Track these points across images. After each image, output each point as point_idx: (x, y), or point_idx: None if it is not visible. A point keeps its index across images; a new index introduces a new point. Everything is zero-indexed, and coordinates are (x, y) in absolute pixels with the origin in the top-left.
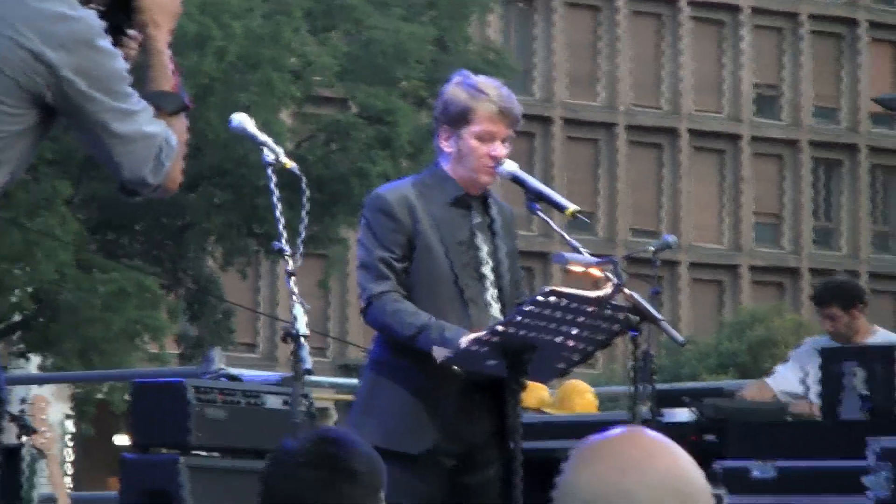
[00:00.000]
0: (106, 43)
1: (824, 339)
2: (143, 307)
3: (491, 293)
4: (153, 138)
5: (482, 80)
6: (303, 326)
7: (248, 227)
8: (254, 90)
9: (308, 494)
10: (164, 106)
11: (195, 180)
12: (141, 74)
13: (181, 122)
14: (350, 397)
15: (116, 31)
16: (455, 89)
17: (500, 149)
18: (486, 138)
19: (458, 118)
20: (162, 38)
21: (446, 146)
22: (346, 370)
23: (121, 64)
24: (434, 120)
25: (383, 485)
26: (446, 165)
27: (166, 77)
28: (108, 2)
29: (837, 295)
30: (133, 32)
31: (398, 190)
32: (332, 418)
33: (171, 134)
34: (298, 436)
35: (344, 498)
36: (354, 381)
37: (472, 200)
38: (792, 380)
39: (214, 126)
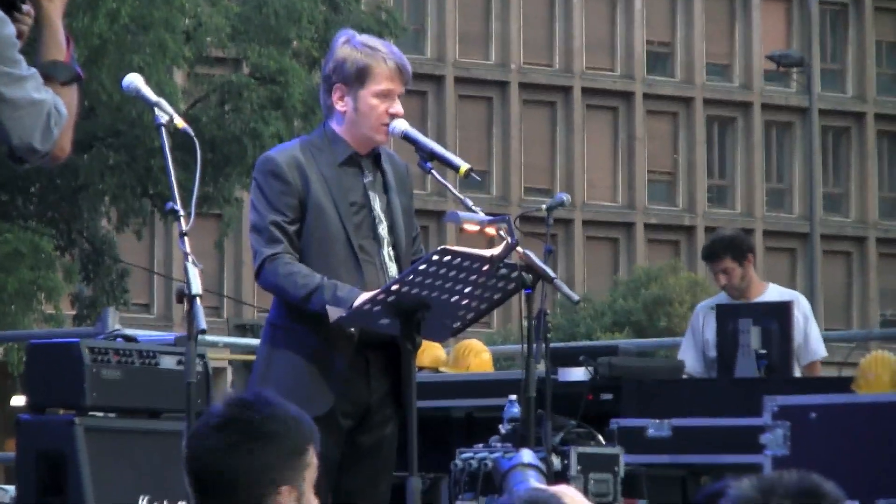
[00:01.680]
0: None
1: (715, 300)
2: (38, 268)
3: (387, 251)
4: (42, 105)
5: (371, 39)
6: (196, 286)
7: (143, 188)
8: (146, 51)
9: (221, 457)
10: (55, 75)
11: (89, 141)
12: (33, 46)
13: (72, 92)
14: (246, 357)
15: (10, 7)
16: (347, 49)
17: (398, 106)
18: (385, 96)
19: (356, 77)
20: (54, 10)
21: (340, 105)
22: (241, 330)
23: (9, 30)
24: (324, 80)
25: (311, 445)
26: (336, 126)
27: (58, 48)
28: None
29: (729, 247)
30: (26, 7)
31: (288, 152)
32: (228, 378)
33: (60, 102)
34: (222, 400)
35: (256, 459)
36: (249, 341)
37: (363, 159)
38: (692, 357)
39: (107, 87)
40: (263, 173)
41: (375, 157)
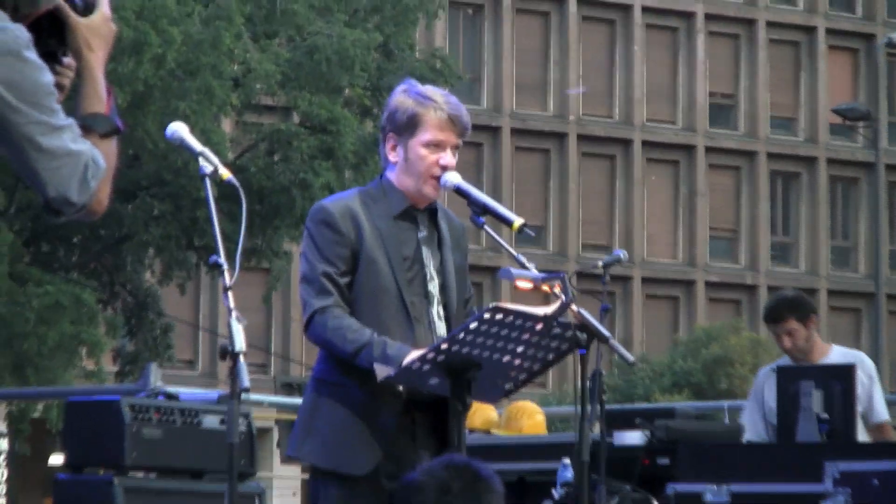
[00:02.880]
0: (34, 55)
1: (778, 363)
2: (80, 321)
3: (436, 311)
4: (79, 156)
5: (429, 89)
6: (240, 343)
7: (188, 240)
8: (192, 98)
9: None
10: (94, 127)
11: (133, 190)
12: (73, 95)
13: (111, 145)
14: (292, 416)
15: (49, 58)
16: (402, 97)
17: (448, 157)
18: (434, 147)
19: (407, 126)
20: (96, 60)
21: (393, 156)
22: (288, 388)
23: (48, 78)
24: (380, 129)
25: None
26: (392, 176)
27: (98, 99)
28: (36, 22)
29: (793, 308)
30: (67, 60)
31: (343, 201)
32: (273, 438)
33: (98, 154)
34: (420, 469)
35: None
36: (296, 400)
37: (419, 213)
38: (754, 422)
39: (152, 135)
40: (316, 223)
41: (431, 213)
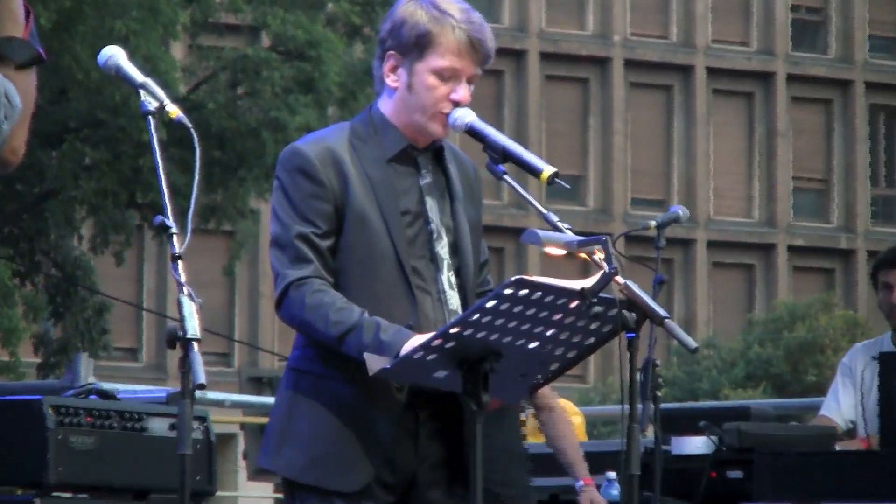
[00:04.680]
0: None
1: (878, 342)
2: None
3: (447, 277)
4: None
5: (448, 1)
6: (194, 327)
7: (128, 196)
8: (132, 15)
9: None
10: (7, 55)
11: (58, 134)
12: None
13: (29, 77)
14: (263, 419)
15: None
16: (412, 7)
17: (463, 90)
18: (447, 75)
19: (415, 45)
20: None
21: (392, 80)
22: (256, 384)
23: None
24: (379, 45)
25: None
26: (387, 107)
27: (13, 20)
28: None
29: None
30: None
31: (322, 142)
32: (239, 447)
33: (12, 90)
34: None
35: None
36: (268, 399)
37: (421, 155)
38: (850, 404)
39: (83, 63)
40: (289, 171)
41: (436, 154)
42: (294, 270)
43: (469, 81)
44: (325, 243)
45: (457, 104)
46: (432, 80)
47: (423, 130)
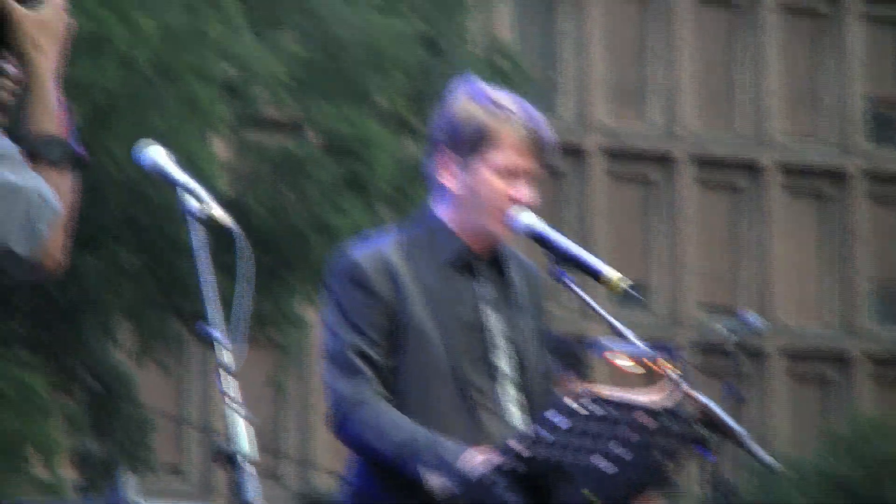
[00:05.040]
0: None
1: None
2: (27, 415)
3: (509, 393)
4: (23, 193)
5: (501, 95)
6: (243, 442)
7: (171, 303)
8: (172, 110)
9: None
10: (45, 154)
11: (94, 236)
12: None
13: (68, 178)
14: None
15: None
16: (467, 103)
17: (526, 189)
18: (508, 174)
19: (473, 142)
20: (46, 65)
21: (450, 181)
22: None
23: None
24: (432, 145)
25: None
26: (443, 210)
27: (50, 116)
28: None
29: None
30: (7, 67)
31: (375, 249)
32: None
33: (49, 191)
34: None
35: None
36: None
37: (479, 260)
38: None
39: (119, 160)
40: (341, 280)
41: (496, 258)
42: (348, 386)
43: (530, 181)
44: (379, 357)
45: (519, 203)
46: (493, 178)
47: (483, 233)
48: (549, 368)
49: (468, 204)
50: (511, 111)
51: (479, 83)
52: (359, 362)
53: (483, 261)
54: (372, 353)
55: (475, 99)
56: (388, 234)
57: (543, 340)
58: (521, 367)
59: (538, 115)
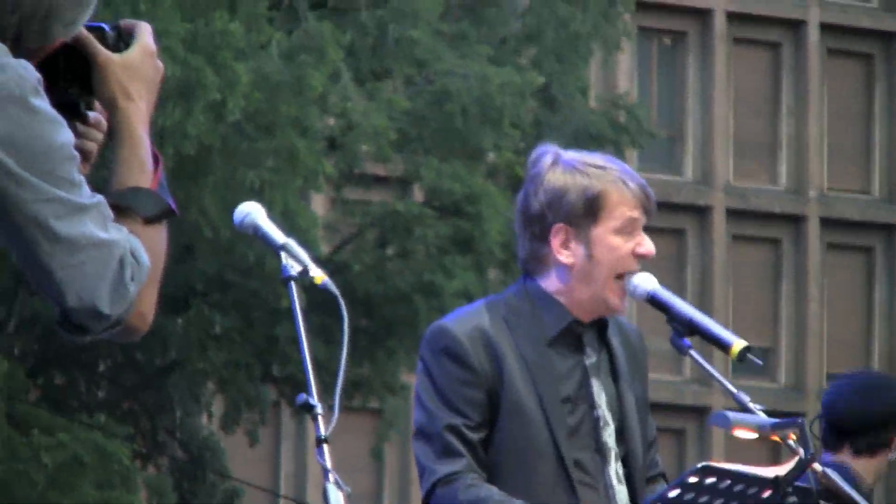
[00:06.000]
0: (45, 105)
1: None
2: (109, 484)
3: (614, 469)
4: (112, 248)
5: (588, 155)
6: None
7: (263, 369)
8: (269, 165)
9: None
10: (135, 208)
11: (184, 297)
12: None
13: (159, 233)
14: None
15: (69, 111)
16: (563, 173)
17: (647, 242)
18: (628, 231)
19: (587, 210)
20: (136, 114)
21: (566, 255)
22: None
23: (67, 137)
24: (530, 221)
25: None
26: (554, 285)
27: (141, 168)
28: (51, 59)
29: None
30: (94, 115)
31: (472, 321)
32: None
33: (139, 246)
34: None
35: None
36: None
37: (586, 331)
38: None
39: (211, 218)
40: (435, 353)
41: (601, 327)
42: (443, 465)
43: (642, 231)
44: (476, 435)
45: (643, 258)
46: (615, 240)
47: (599, 304)
48: (653, 438)
49: (592, 274)
50: (608, 168)
51: (551, 149)
52: (454, 441)
53: (588, 328)
54: (468, 432)
55: (570, 167)
56: (484, 305)
57: (645, 407)
58: (626, 440)
59: (629, 168)
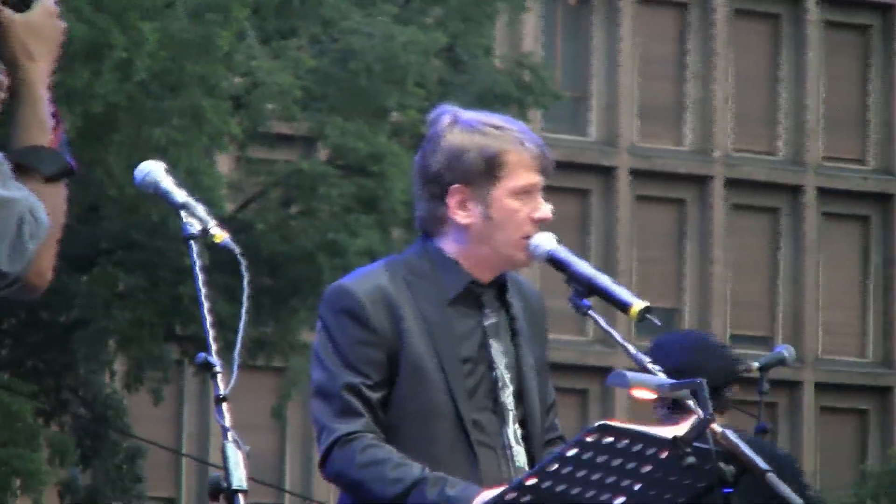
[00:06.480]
0: None
1: None
2: (12, 442)
3: (512, 430)
4: (10, 206)
5: (488, 116)
6: (240, 477)
7: (166, 328)
8: (174, 123)
9: None
10: (35, 166)
11: (88, 256)
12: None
13: (59, 191)
14: None
15: None
16: (461, 132)
17: (546, 207)
18: (525, 194)
19: (485, 170)
20: (37, 73)
21: (463, 216)
22: None
23: None
24: (429, 182)
25: None
26: (453, 247)
27: (41, 127)
28: None
29: None
30: None
31: (372, 280)
32: None
33: (39, 205)
34: None
35: None
36: None
37: (485, 291)
38: None
39: (116, 177)
40: (335, 312)
41: (501, 287)
42: (342, 424)
43: (541, 195)
44: (375, 395)
45: (540, 222)
46: (513, 202)
47: (499, 263)
48: (552, 401)
49: (487, 236)
50: (509, 130)
51: (449, 109)
52: (353, 400)
53: (489, 292)
54: (367, 391)
55: (469, 127)
56: (384, 266)
57: (545, 369)
58: (525, 401)
59: (529, 129)
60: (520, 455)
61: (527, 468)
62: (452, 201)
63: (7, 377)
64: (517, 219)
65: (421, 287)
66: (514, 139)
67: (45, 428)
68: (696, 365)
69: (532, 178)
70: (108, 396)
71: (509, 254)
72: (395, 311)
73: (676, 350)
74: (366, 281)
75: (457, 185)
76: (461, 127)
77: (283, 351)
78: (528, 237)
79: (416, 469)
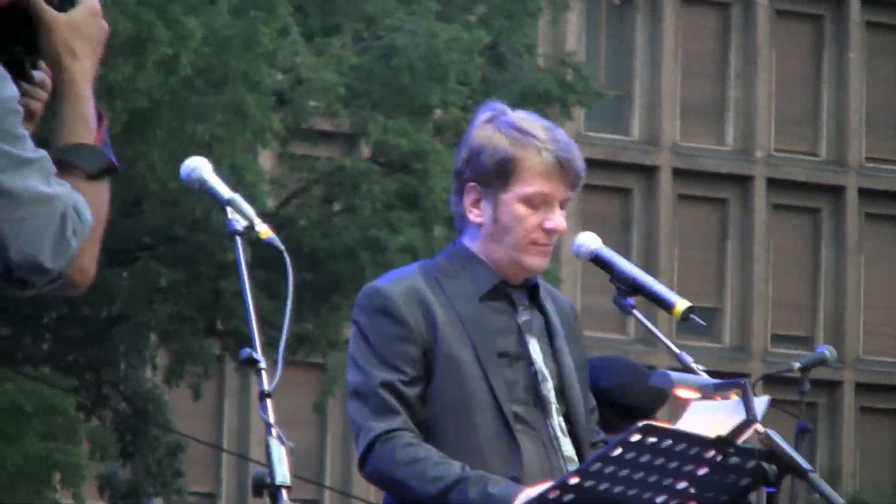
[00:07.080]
0: None
1: None
2: (52, 436)
3: (557, 422)
4: (54, 203)
5: (529, 120)
6: (283, 473)
7: (208, 323)
8: (217, 120)
9: None
10: (78, 164)
11: (130, 251)
12: (50, 123)
13: (102, 189)
14: None
15: (14, 69)
16: (489, 131)
17: (559, 218)
18: (537, 202)
19: (497, 173)
20: (81, 72)
21: (475, 214)
22: None
23: (11, 91)
24: (454, 177)
25: None
26: (474, 245)
27: (84, 125)
28: None
29: None
30: (38, 74)
31: (404, 281)
32: None
33: (82, 203)
34: None
35: None
36: None
37: (515, 291)
38: None
39: (158, 172)
40: (369, 312)
41: (532, 290)
42: (380, 423)
43: (561, 206)
44: (412, 391)
45: (550, 233)
46: (521, 209)
47: (518, 266)
48: (593, 406)
49: (499, 238)
50: (535, 137)
51: (498, 107)
52: (390, 398)
53: (518, 290)
54: (403, 388)
55: (498, 126)
56: (416, 267)
57: (584, 369)
58: (567, 397)
59: (565, 138)
60: (567, 446)
61: (575, 458)
62: (468, 198)
63: (48, 371)
64: (525, 225)
65: (453, 285)
66: (534, 146)
67: (85, 422)
68: (624, 388)
69: (545, 187)
70: (148, 391)
71: (518, 258)
72: (428, 309)
73: (606, 373)
74: (399, 282)
75: (472, 183)
76: (493, 126)
77: (322, 347)
78: (536, 244)
79: (456, 467)
